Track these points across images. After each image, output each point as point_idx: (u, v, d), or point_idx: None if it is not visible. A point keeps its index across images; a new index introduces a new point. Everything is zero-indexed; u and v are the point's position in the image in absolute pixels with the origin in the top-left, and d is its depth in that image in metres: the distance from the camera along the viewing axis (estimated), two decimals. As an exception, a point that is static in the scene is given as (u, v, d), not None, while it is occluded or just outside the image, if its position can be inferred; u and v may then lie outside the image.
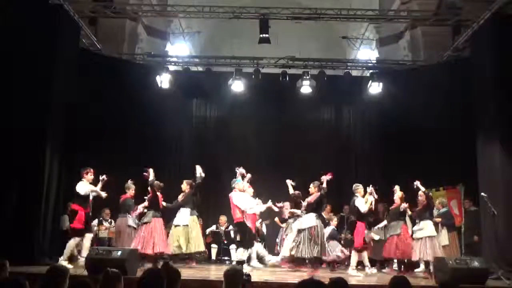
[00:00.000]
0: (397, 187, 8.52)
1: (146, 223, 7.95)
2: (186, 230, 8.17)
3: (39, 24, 7.93)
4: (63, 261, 7.27)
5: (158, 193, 8.19)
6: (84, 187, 7.61)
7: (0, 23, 7.70)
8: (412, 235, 8.25)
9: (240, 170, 8.43)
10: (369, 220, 8.84)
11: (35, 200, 7.64)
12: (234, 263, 7.99)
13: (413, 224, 8.53)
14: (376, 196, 8.19)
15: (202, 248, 8.50)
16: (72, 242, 7.58)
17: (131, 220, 8.08)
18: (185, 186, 8.51)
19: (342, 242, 9.17)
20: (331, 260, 8.74)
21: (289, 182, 8.65)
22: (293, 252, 7.86)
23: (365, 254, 8.13)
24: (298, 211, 8.25)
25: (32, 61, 7.76)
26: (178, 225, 8.21)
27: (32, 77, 7.76)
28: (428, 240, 7.80)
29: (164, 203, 8.31)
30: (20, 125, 7.63)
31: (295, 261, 8.44)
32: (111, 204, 8.81)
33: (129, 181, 8.42)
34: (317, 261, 7.82)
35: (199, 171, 8.48)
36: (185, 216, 8.27)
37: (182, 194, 8.51)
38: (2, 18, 7.71)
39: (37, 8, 8.04)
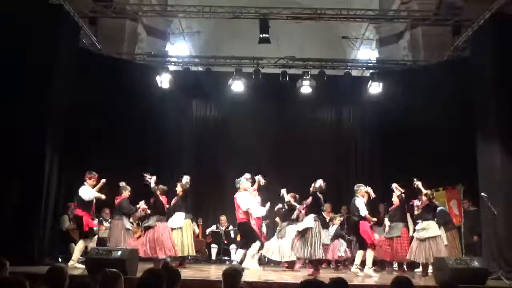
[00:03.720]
0: (394, 185, 8.46)
1: (149, 227, 7.86)
2: (181, 233, 8.19)
3: (39, 24, 7.92)
4: (76, 264, 7.26)
5: (163, 197, 8.18)
6: (87, 192, 7.66)
7: (0, 23, 7.69)
8: (413, 235, 8.26)
9: (247, 175, 8.40)
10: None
11: (35, 200, 7.64)
12: (234, 262, 7.97)
13: (414, 224, 8.55)
14: (373, 195, 8.18)
15: (192, 252, 8.50)
16: (81, 245, 7.59)
17: (126, 222, 8.01)
18: (179, 189, 8.50)
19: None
20: (334, 260, 8.74)
21: (283, 191, 8.73)
22: (290, 255, 7.87)
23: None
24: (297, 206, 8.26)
25: (32, 61, 7.75)
26: (174, 228, 8.17)
27: (32, 77, 7.76)
28: (432, 241, 7.71)
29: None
30: (20, 125, 7.63)
31: (289, 263, 8.48)
32: (111, 204, 8.79)
33: (123, 183, 8.40)
34: (315, 262, 7.81)
35: (185, 180, 8.51)
36: (179, 219, 8.29)
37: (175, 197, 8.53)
38: (2, 18, 7.71)
39: (37, 8, 8.04)
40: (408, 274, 7.90)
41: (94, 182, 7.80)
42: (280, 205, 9.50)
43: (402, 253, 8.10)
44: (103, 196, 7.88)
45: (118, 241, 7.89)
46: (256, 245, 7.97)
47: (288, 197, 8.72)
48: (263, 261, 10.26)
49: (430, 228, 7.85)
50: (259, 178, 8.45)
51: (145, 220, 8.19)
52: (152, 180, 8.05)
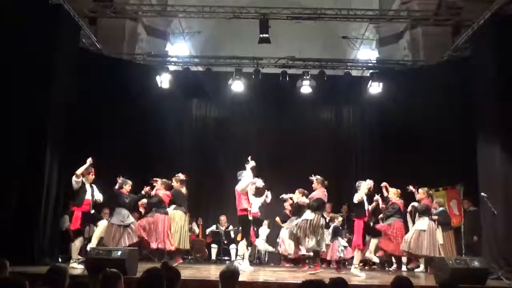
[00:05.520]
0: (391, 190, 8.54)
1: (149, 218, 7.97)
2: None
3: (39, 24, 7.91)
4: (74, 264, 7.24)
5: (165, 191, 8.19)
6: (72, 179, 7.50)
7: (0, 23, 7.69)
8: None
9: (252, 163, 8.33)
10: (370, 221, 8.86)
11: (35, 200, 7.63)
12: (237, 260, 7.94)
13: (414, 223, 8.59)
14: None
15: (186, 246, 8.40)
16: (77, 244, 7.52)
17: (115, 218, 7.83)
18: (174, 183, 8.46)
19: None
20: (334, 260, 8.72)
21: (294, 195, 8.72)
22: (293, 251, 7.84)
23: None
24: (306, 200, 8.20)
25: (32, 61, 7.75)
26: None
27: (32, 77, 7.75)
28: (414, 233, 7.89)
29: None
30: (20, 125, 7.62)
31: (296, 259, 8.46)
32: (111, 204, 8.78)
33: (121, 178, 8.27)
34: (316, 256, 7.77)
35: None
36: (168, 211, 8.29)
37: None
38: (2, 18, 7.70)
39: (37, 8, 8.03)
40: (408, 274, 7.90)
41: (93, 177, 7.72)
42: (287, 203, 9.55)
43: (390, 244, 8.14)
44: (98, 196, 7.72)
45: (108, 237, 7.75)
46: (242, 244, 7.95)
47: (296, 198, 8.71)
48: (263, 261, 10.31)
49: (419, 222, 8.03)
50: (266, 194, 8.59)
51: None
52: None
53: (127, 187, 8.12)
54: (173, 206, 8.34)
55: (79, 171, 7.46)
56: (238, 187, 7.95)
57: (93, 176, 7.73)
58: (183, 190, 8.46)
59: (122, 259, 5.80)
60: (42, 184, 7.75)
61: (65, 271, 3.49)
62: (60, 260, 7.96)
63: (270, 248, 10.04)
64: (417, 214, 8.36)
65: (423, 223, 7.93)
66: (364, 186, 7.88)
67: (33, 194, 7.62)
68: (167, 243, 7.85)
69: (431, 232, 7.91)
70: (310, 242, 7.41)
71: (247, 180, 7.94)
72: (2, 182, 7.41)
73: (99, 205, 8.52)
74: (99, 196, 7.84)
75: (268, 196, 8.88)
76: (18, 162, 7.54)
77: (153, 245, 7.79)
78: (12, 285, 2.98)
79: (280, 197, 9.21)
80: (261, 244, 9.83)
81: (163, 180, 8.23)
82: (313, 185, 7.89)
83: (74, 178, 7.46)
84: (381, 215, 8.84)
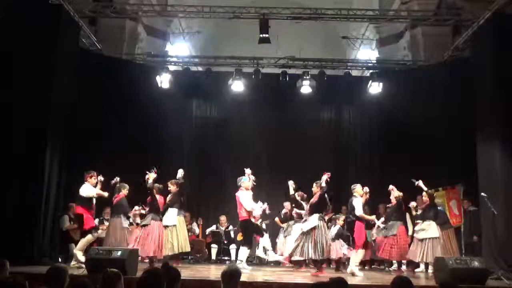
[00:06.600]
0: (392, 187, 8.47)
1: (144, 225, 7.93)
2: (175, 231, 8.12)
3: (39, 24, 7.93)
4: (77, 251, 7.32)
5: (159, 196, 8.16)
6: (87, 190, 7.56)
7: (0, 23, 7.70)
8: (413, 235, 8.30)
9: (247, 171, 8.30)
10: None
11: (35, 200, 7.64)
12: (237, 262, 7.91)
13: (413, 224, 8.56)
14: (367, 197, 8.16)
15: (188, 249, 8.44)
16: (90, 237, 7.52)
17: (124, 221, 7.92)
18: (171, 186, 8.45)
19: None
20: (337, 259, 8.72)
21: (290, 183, 8.61)
22: (295, 255, 7.80)
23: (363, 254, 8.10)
24: (303, 212, 8.18)
25: (32, 61, 7.76)
26: (167, 226, 8.08)
27: (32, 77, 7.76)
28: (429, 241, 7.82)
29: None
30: (20, 125, 7.63)
31: (295, 262, 8.43)
32: (111, 204, 8.78)
33: (117, 178, 8.20)
34: (321, 262, 7.74)
35: (180, 173, 8.38)
36: (172, 217, 8.19)
37: (170, 195, 8.42)
38: (2, 18, 7.71)
39: (37, 8, 8.04)
40: (408, 274, 7.90)
41: (96, 180, 7.74)
42: (284, 210, 9.53)
43: (400, 252, 8.10)
44: (105, 194, 7.80)
45: (117, 240, 7.80)
46: (247, 250, 7.95)
47: (292, 190, 8.64)
48: (264, 261, 10.31)
49: (430, 229, 7.94)
50: (252, 178, 8.38)
51: (142, 220, 8.20)
52: (151, 177, 8.00)
53: (125, 191, 8.09)
54: (176, 211, 8.28)
55: (99, 191, 7.67)
56: (245, 205, 7.85)
57: (96, 180, 7.74)
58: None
59: (122, 259, 5.80)
60: (42, 184, 7.76)
61: (65, 271, 3.49)
62: (60, 260, 7.96)
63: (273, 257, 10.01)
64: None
65: (435, 229, 7.91)
66: (362, 200, 7.87)
67: (33, 194, 7.63)
68: (156, 251, 7.81)
69: (441, 236, 7.95)
70: (317, 251, 7.39)
71: (258, 208, 7.96)
72: (2, 182, 7.42)
73: (99, 205, 8.54)
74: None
75: (253, 180, 8.73)
76: (18, 162, 7.54)
77: (143, 254, 7.72)
78: (12, 285, 2.98)
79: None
80: (266, 242, 9.87)
81: (155, 185, 8.19)
82: (312, 189, 7.85)
83: (91, 192, 7.55)
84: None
